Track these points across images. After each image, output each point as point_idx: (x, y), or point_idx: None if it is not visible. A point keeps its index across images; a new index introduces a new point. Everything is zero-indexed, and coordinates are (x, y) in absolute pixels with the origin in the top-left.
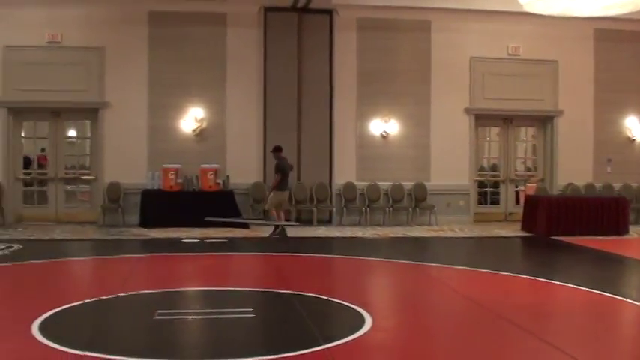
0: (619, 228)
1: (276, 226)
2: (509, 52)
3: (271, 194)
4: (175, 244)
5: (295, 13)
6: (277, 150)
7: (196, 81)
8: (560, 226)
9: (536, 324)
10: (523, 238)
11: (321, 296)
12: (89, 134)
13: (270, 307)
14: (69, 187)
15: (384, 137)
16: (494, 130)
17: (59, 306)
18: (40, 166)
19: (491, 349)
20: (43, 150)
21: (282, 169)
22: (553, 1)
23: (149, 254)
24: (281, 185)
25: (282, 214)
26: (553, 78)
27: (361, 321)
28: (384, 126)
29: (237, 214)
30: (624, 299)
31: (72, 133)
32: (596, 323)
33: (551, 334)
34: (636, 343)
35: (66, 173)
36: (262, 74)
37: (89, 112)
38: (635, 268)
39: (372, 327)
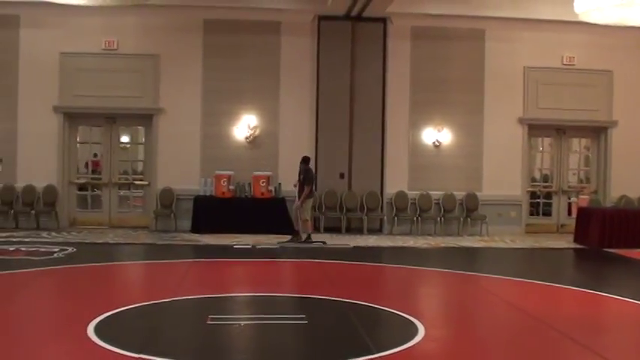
0: None
1: (308, 234)
2: (564, 61)
3: (305, 204)
4: (227, 250)
5: (349, 21)
6: (307, 161)
7: (250, 88)
8: (613, 238)
9: (590, 337)
10: (575, 250)
11: (372, 305)
12: (143, 140)
13: (322, 314)
14: (122, 192)
15: (437, 146)
16: (547, 141)
17: (114, 309)
18: (94, 171)
19: None
20: (95, 155)
21: (313, 179)
22: (609, 10)
23: (201, 259)
24: (311, 194)
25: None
26: (608, 88)
27: (414, 330)
28: (436, 135)
29: (288, 222)
30: None
31: (125, 138)
32: None
33: (605, 347)
34: None
35: (119, 178)
36: (315, 82)
37: (143, 118)
38: None
39: (425, 337)
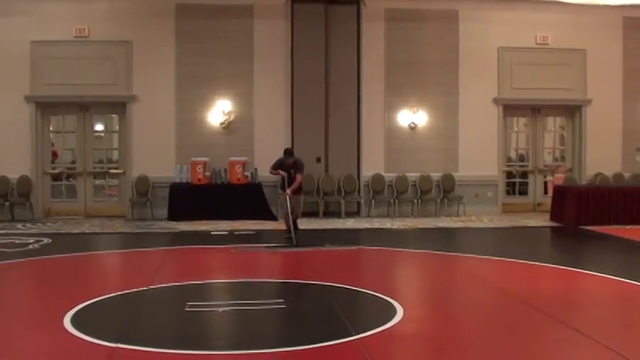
0: None
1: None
2: (538, 41)
3: (299, 196)
4: (204, 237)
5: (322, 4)
6: (293, 152)
7: (224, 73)
8: (588, 215)
9: (567, 313)
10: (552, 228)
11: (351, 287)
12: (117, 128)
13: (300, 298)
14: (97, 181)
15: (412, 128)
16: (522, 120)
17: (90, 299)
18: (52, 161)
19: (523, 337)
20: (52, 144)
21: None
22: None
23: (178, 247)
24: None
25: None
26: (581, 67)
27: (392, 311)
28: (411, 117)
29: (266, 207)
30: None
31: (100, 127)
32: (626, 312)
33: (582, 323)
34: None
35: (94, 167)
36: (290, 66)
37: (117, 106)
38: None
39: (404, 317)
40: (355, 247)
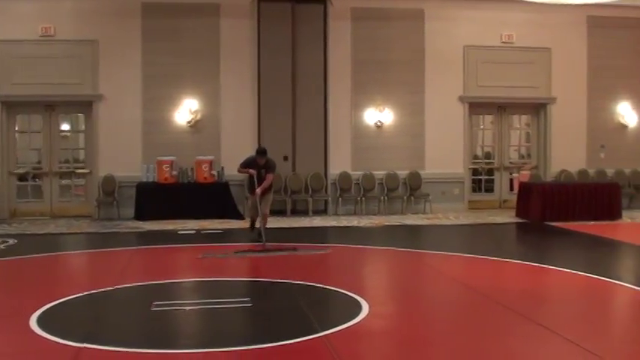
0: (612, 213)
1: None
2: (503, 39)
3: (268, 195)
4: (171, 236)
5: (289, 3)
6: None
7: (190, 72)
8: (553, 211)
9: (532, 308)
10: (517, 224)
11: (318, 285)
12: (83, 127)
13: (267, 296)
14: (63, 181)
15: (379, 126)
16: (488, 118)
17: (56, 299)
18: None
19: (487, 333)
20: None
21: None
22: None
23: (145, 247)
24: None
25: None
26: (546, 65)
27: (358, 308)
28: (378, 115)
29: (233, 206)
30: (617, 282)
31: (66, 126)
32: (589, 306)
33: (546, 317)
34: (629, 325)
35: (60, 167)
36: (256, 65)
37: (83, 106)
38: (628, 252)
39: (369, 314)
40: (327, 252)
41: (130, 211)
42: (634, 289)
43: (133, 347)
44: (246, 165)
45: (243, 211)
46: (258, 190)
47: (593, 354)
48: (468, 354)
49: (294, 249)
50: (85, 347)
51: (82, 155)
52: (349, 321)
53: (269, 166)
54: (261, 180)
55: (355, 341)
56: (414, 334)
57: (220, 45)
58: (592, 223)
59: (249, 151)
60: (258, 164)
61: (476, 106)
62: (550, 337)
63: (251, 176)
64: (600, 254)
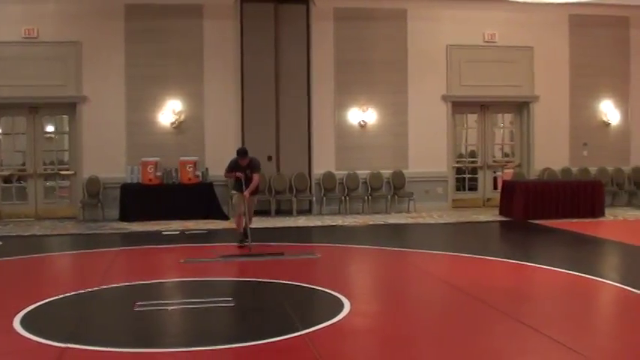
0: (595, 211)
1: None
2: (485, 39)
3: (254, 197)
4: (155, 237)
5: (272, 3)
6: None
7: (174, 73)
8: (536, 210)
9: (514, 306)
10: (501, 222)
11: (300, 284)
12: (67, 129)
13: (249, 296)
14: (48, 183)
15: (362, 126)
16: (472, 117)
17: (40, 300)
18: None
19: (467, 330)
20: None
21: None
22: None
23: (129, 247)
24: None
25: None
26: (529, 64)
27: (340, 307)
28: (361, 115)
29: (217, 206)
30: (600, 280)
31: (50, 128)
32: (570, 303)
33: (528, 315)
34: (611, 322)
35: (45, 169)
36: (240, 65)
37: (67, 107)
38: (611, 250)
39: (350, 312)
40: (316, 257)
41: (115, 212)
42: (616, 286)
43: (116, 347)
44: (231, 169)
45: (228, 212)
46: (246, 193)
47: (574, 351)
48: (449, 351)
49: (281, 253)
50: (68, 347)
51: (66, 157)
52: (330, 319)
53: (253, 166)
54: (247, 181)
55: (336, 339)
56: (395, 332)
57: (204, 46)
58: (575, 220)
59: (233, 152)
60: (242, 165)
61: (459, 105)
62: (532, 334)
63: (237, 179)
64: (582, 252)
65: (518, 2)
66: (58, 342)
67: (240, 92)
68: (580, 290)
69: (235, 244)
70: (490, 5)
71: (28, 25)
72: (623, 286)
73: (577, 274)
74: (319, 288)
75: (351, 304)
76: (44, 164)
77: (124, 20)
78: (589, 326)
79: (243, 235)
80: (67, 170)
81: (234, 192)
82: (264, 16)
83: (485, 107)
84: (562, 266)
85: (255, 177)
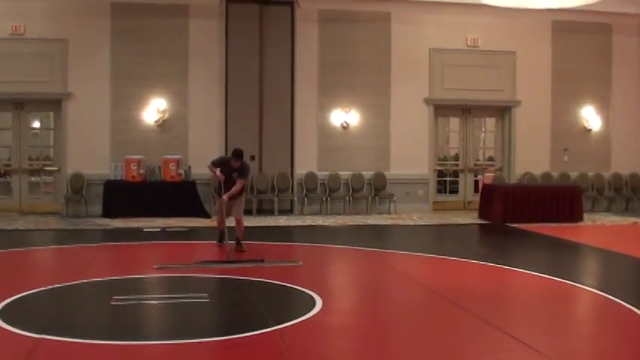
0: (573, 216)
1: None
2: (468, 43)
3: (240, 199)
4: (137, 234)
5: (257, 4)
6: (242, 155)
7: (159, 72)
8: (515, 213)
9: (483, 307)
10: (479, 225)
11: (276, 282)
12: (52, 125)
13: (224, 292)
14: (32, 179)
15: (345, 127)
16: (454, 121)
17: (19, 293)
18: None
19: (435, 329)
20: None
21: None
22: None
23: (110, 243)
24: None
25: None
26: (511, 69)
27: (312, 304)
28: (344, 116)
29: (199, 204)
30: (574, 284)
31: (36, 124)
32: (542, 306)
33: (499, 318)
34: (583, 327)
35: (30, 164)
36: (224, 65)
37: (52, 104)
38: (588, 255)
39: (321, 310)
40: (299, 264)
41: (98, 208)
42: (590, 291)
43: (90, 339)
44: (217, 164)
45: (210, 210)
46: (225, 197)
47: (536, 351)
48: (413, 348)
49: (262, 260)
50: (43, 338)
51: (51, 153)
52: (301, 316)
53: (242, 171)
54: (229, 184)
55: (304, 334)
56: (363, 329)
57: (189, 45)
58: (553, 225)
59: (216, 151)
60: (231, 167)
61: (441, 109)
62: (496, 334)
63: (218, 180)
64: (558, 256)
65: (501, 7)
66: (33, 333)
67: (224, 92)
68: (552, 294)
69: (215, 242)
70: (473, 10)
71: (15, 22)
72: (595, 290)
73: (551, 277)
74: (294, 286)
75: (323, 302)
76: (29, 160)
77: (110, 18)
78: (556, 328)
79: (222, 235)
80: (52, 166)
81: (214, 194)
82: (249, 17)
83: (467, 111)
84: (537, 270)
85: (239, 183)
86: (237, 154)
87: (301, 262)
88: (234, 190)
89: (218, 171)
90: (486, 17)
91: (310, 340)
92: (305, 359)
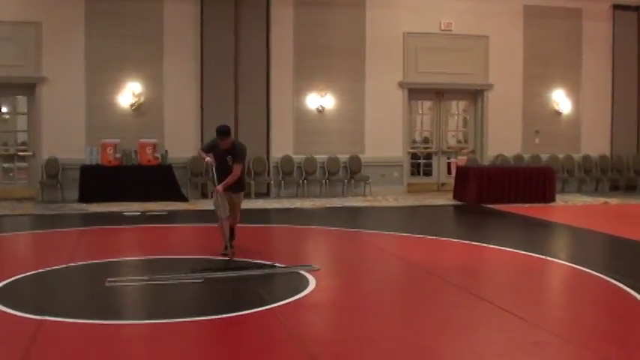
0: (546, 196)
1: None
2: (442, 27)
3: (239, 195)
4: (117, 218)
5: None
6: (229, 132)
7: (134, 55)
8: (489, 194)
9: (467, 280)
10: (455, 206)
11: (266, 262)
12: (24, 110)
13: (218, 272)
14: (5, 164)
15: (320, 111)
16: (427, 104)
17: (10, 277)
18: None
19: (424, 302)
20: None
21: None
22: None
23: (92, 227)
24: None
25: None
26: (484, 53)
27: (305, 283)
28: (320, 100)
29: (176, 188)
30: (547, 258)
31: (9, 109)
32: (520, 279)
33: (480, 288)
34: (556, 295)
35: (3, 150)
36: (199, 48)
37: (26, 88)
38: (562, 232)
39: (315, 288)
40: (316, 268)
41: (74, 193)
42: (562, 263)
43: (91, 319)
44: (206, 149)
45: (187, 194)
46: (220, 187)
47: (522, 319)
48: (406, 321)
49: (273, 265)
50: (45, 319)
51: (24, 138)
52: (297, 294)
53: (236, 153)
54: (224, 171)
55: (302, 311)
56: (356, 304)
57: (164, 29)
58: (527, 205)
59: (192, 134)
60: (221, 149)
61: (415, 92)
62: (484, 305)
63: (209, 165)
64: (533, 233)
65: None
66: (34, 314)
67: (199, 75)
68: (531, 268)
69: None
70: None
71: None
72: (569, 264)
73: (527, 253)
74: (285, 266)
75: (316, 281)
76: (3, 145)
77: (85, 1)
78: (537, 298)
79: (225, 246)
80: (26, 151)
81: (210, 182)
82: (224, 1)
83: (440, 94)
84: (513, 246)
85: (237, 168)
86: (222, 131)
87: (319, 267)
88: (230, 178)
89: (208, 157)
90: (460, 2)
91: (308, 315)
92: (306, 333)
